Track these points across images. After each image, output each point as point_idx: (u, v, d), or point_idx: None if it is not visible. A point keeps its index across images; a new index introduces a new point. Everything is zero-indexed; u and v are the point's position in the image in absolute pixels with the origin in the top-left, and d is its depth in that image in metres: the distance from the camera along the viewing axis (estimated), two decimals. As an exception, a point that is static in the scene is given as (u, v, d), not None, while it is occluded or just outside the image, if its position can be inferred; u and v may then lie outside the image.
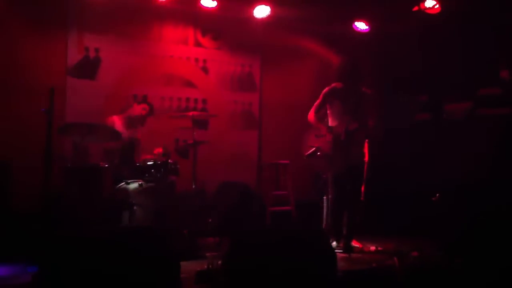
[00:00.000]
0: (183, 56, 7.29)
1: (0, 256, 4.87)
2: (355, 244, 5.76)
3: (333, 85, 5.86)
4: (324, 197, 5.96)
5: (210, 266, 4.13)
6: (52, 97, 5.03)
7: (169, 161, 5.66)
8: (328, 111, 5.86)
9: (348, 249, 5.56)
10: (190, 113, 5.88)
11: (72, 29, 6.55)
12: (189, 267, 4.49)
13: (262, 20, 7.37)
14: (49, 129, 4.97)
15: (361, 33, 7.79)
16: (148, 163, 5.62)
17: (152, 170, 5.56)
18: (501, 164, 6.31)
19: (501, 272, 4.45)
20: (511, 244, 4.80)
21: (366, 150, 5.80)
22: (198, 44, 7.38)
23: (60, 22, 6.51)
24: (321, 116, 5.87)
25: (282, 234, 4.14)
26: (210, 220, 5.95)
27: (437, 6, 6.93)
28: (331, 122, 5.80)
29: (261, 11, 7.19)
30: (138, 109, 6.10)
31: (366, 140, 5.85)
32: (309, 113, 5.85)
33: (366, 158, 5.79)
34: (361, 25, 7.71)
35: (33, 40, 6.30)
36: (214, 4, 6.93)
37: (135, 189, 5.26)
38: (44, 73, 6.24)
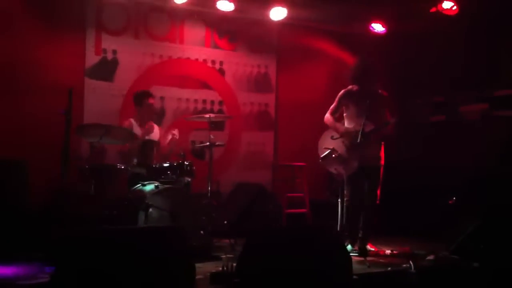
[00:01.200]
0: (200, 58, 7.32)
1: (17, 255, 4.92)
2: (370, 247, 5.74)
3: (348, 87, 5.85)
4: (339, 200, 5.93)
5: (225, 268, 4.14)
6: (70, 97, 5.09)
7: (185, 162, 5.69)
8: (344, 114, 5.85)
9: (363, 252, 5.53)
10: (207, 115, 5.89)
11: (90, 30, 6.62)
12: (204, 268, 4.52)
13: (278, 21, 7.38)
14: (67, 130, 5.03)
15: (377, 34, 7.76)
16: (164, 164, 5.65)
17: (168, 172, 5.59)
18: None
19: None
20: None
21: (382, 153, 5.76)
22: (215, 45, 7.41)
23: (78, 24, 6.58)
24: (337, 118, 5.86)
25: (297, 236, 4.15)
26: (225, 222, 5.96)
27: (455, 7, 6.88)
28: (347, 124, 5.79)
29: (278, 13, 7.19)
30: (150, 102, 6.14)
31: (383, 143, 5.80)
32: (326, 116, 5.86)
33: (382, 161, 5.75)
34: (377, 27, 7.68)
35: (51, 41, 6.36)
36: (231, 6, 6.94)
37: (151, 191, 5.29)
38: (62, 74, 6.29)
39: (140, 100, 6.11)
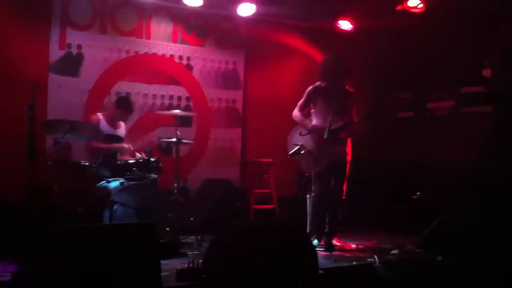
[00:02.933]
0: (167, 53, 7.25)
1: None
2: (336, 242, 5.79)
3: (316, 83, 5.88)
4: (307, 196, 5.97)
5: (192, 265, 4.13)
6: (34, 92, 5.00)
7: (151, 159, 5.64)
8: (312, 110, 5.88)
9: (329, 247, 5.58)
10: (174, 111, 5.85)
11: (54, 25, 6.49)
12: (170, 265, 4.50)
13: (247, 17, 7.37)
14: (31, 125, 4.95)
15: (345, 31, 7.80)
16: (130, 161, 5.60)
17: (134, 168, 5.54)
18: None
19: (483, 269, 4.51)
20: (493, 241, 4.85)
21: (348, 149, 5.81)
22: (182, 41, 7.35)
23: (43, 18, 6.44)
24: (305, 115, 5.88)
25: (264, 232, 4.17)
26: (192, 218, 5.94)
27: (421, 5, 6.95)
28: (314, 120, 5.82)
29: (246, 9, 7.17)
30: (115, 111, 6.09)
31: (349, 139, 5.85)
32: (294, 112, 5.87)
33: (349, 157, 5.80)
34: (345, 24, 7.71)
35: (15, 35, 6.22)
36: (199, 2, 6.91)
37: (116, 187, 5.24)
38: (26, 69, 6.15)
39: (125, 106, 6.04)
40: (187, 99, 7.36)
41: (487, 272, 4.53)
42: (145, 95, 7.06)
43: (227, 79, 7.70)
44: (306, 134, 5.77)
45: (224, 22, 7.60)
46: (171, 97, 7.23)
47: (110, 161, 5.68)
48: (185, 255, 5.10)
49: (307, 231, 5.63)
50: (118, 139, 6.03)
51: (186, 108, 7.23)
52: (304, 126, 5.79)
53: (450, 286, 4.61)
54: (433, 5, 6.91)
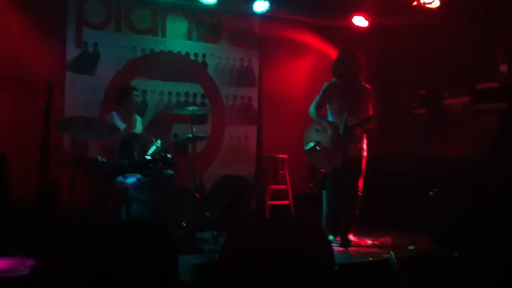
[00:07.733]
0: (182, 51, 7.29)
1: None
2: (352, 237, 5.78)
3: (332, 80, 5.87)
4: (323, 191, 5.97)
5: (208, 260, 4.15)
6: (50, 91, 5.05)
7: (168, 155, 5.67)
8: (327, 106, 5.87)
9: (345, 243, 5.57)
10: (189, 108, 5.88)
11: (70, 23, 6.56)
12: (187, 260, 4.52)
13: (261, 14, 7.39)
14: (47, 123, 4.99)
15: (360, 28, 7.78)
16: (146, 157, 5.63)
17: (151, 165, 5.58)
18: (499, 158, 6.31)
19: (498, 266, 4.48)
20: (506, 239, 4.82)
21: (364, 145, 5.80)
22: (197, 38, 7.39)
23: (59, 17, 6.52)
24: (321, 111, 5.88)
25: (280, 227, 4.17)
26: (208, 214, 5.96)
27: (437, 0, 6.91)
28: (330, 117, 5.82)
29: (260, 6, 7.19)
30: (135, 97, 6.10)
31: (365, 135, 5.84)
32: (310, 109, 5.87)
33: (365, 153, 5.79)
34: (360, 20, 7.69)
35: (31, 34, 6.28)
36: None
37: (133, 184, 5.27)
38: (43, 67, 6.21)
39: (125, 96, 6.06)
40: (203, 96, 7.39)
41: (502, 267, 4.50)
42: (161, 92, 7.11)
43: (242, 76, 7.71)
44: (321, 131, 5.77)
45: (239, 19, 7.63)
46: (186, 94, 7.27)
47: (126, 156, 5.71)
48: (201, 251, 5.12)
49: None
50: (134, 135, 6.07)
51: (201, 105, 7.25)
52: (320, 123, 5.79)
53: (467, 282, 4.58)
54: (448, 1, 6.87)
